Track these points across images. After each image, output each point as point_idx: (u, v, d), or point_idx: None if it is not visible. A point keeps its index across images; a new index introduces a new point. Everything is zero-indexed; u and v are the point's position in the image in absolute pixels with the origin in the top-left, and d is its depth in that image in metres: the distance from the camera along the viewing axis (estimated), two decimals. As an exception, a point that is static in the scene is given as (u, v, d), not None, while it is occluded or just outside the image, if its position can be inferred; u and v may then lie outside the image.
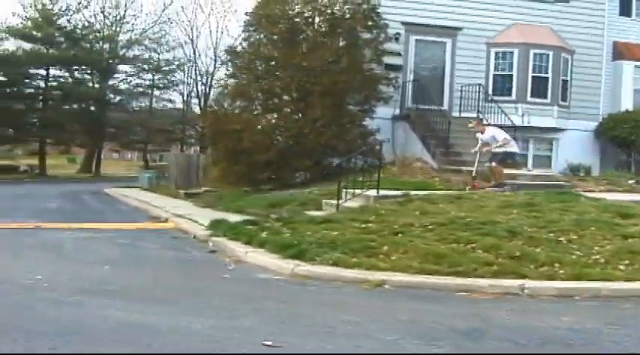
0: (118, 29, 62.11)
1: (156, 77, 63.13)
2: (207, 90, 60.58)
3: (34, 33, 57.40)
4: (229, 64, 23.58)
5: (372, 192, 15.13)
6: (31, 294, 7.31)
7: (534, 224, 11.09)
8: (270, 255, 10.22)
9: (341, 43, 21.57)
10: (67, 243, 12.28)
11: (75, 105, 60.09)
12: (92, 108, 60.00)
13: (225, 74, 22.92)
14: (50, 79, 58.86)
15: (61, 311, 6.58)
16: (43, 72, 58.40)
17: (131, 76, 63.09)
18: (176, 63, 61.96)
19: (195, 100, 63.59)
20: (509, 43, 24.67)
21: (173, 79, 63.04)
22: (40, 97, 59.46)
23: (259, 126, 21.34)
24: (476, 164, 16.74)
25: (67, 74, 60.35)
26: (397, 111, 23.71)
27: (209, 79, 60.73)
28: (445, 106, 23.88)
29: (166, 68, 61.94)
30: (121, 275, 8.90)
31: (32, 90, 59.38)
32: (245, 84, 22.00)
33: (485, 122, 18.92)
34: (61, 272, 8.80)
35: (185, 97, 65.03)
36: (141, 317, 6.51)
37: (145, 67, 62.02)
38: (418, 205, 13.46)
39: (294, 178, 22.20)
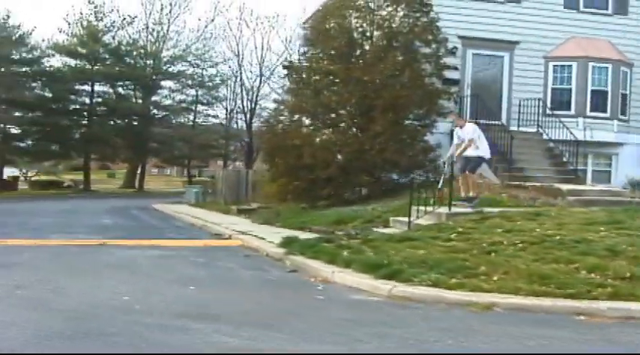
0: (161, 45, 62.32)
1: (199, 92, 63.05)
2: (253, 105, 60.45)
3: (80, 49, 57.75)
4: (287, 78, 23.10)
5: (443, 210, 14.59)
6: (130, 318, 6.96)
7: (631, 242, 10.54)
8: (360, 274, 9.80)
9: (399, 57, 21.06)
10: (142, 261, 12.00)
11: (119, 121, 60.21)
12: (136, 123, 60.17)
13: (282, 89, 22.45)
14: (95, 94, 58.97)
15: (171, 337, 6.21)
16: (87, 88, 58.60)
17: (175, 91, 63.20)
18: (219, 78, 61.81)
19: (239, 115, 63.30)
20: (567, 56, 24.15)
21: (217, 94, 62.90)
22: (85, 113, 59.67)
23: (318, 141, 20.85)
24: (445, 169, 15.40)
25: (111, 90, 60.43)
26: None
27: (254, 94, 60.59)
28: (503, 121, 23.30)
29: (210, 83, 61.83)
30: (212, 297, 8.57)
31: (77, 106, 59.53)
32: (304, 99, 21.61)
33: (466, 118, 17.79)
34: (148, 293, 8.49)
35: (228, 113, 64.90)
36: (254, 343, 6.14)
37: (189, 82, 62.05)
38: (496, 223, 12.97)
39: (353, 194, 21.72)
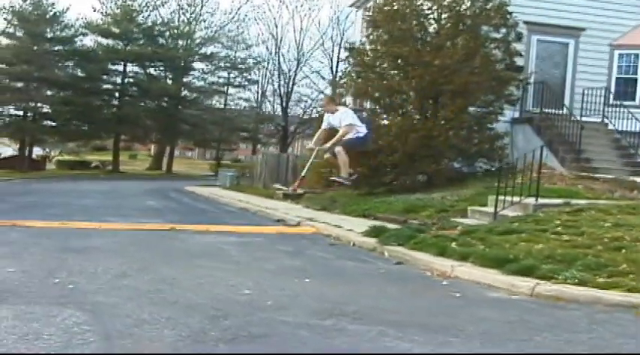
0: (194, 26, 61.51)
1: (231, 75, 62.26)
2: (289, 89, 59.62)
3: (113, 29, 57.15)
4: (347, 62, 22.19)
5: (530, 200, 13.73)
6: (268, 316, 6.18)
7: None
8: (484, 269, 8.96)
9: (469, 42, 20.15)
10: (228, 249, 11.25)
11: (150, 102, 59.53)
12: (167, 105, 59.35)
13: (343, 72, 21.56)
14: (127, 75, 58.35)
15: (333, 340, 5.47)
16: (120, 68, 57.89)
17: (207, 73, 62.41)
18: (252, 61, 61.05)
19: (275, 99, 62.49)
20: (634, 44, 23.06)
21: (249, 77, 62.14)
22: (117, 93, 59.03)
23: (384, 126, 19.99)
24: (311, 160, 14.06)
25: (143, 71, 59.78)
26: (516, 114, 22.28)
27: (291, 78, 59.78)
28: (566, 110, 22.35)
29: (242, 66, 61.06)
30: (335, 292, 7.79)
31: (109, 86, 58.95)
32: (367, 83, 20.73)
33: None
34: (265, 287, 7.74)
35: (260, 96, 64.12)
36: (435, 348, 5.34)
37: (221, 64, 61.26)
38: (595, 216, 12.14)
39: (416, 181, 20.88)
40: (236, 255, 10.53)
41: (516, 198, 13.86)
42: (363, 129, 13.52)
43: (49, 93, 56.44)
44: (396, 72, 21.08)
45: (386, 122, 21.23)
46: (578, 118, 21.49)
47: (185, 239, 12.47)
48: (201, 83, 64.51)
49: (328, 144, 13.44)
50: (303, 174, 13.76)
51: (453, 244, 10.54)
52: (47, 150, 66.95)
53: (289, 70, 61.76)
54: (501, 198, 13.71)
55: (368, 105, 22.07)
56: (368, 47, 21.12)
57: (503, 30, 20.91)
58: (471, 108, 20.84)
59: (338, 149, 13.10)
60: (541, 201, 14.05)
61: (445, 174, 20.43)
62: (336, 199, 21.07)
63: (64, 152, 70.55)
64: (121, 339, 5.18)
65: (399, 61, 20.03)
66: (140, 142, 71.81)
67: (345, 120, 12.99)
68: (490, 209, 14.16)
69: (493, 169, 20.83)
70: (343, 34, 59.22)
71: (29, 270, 8.06)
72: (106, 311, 6.08)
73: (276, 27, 63.55)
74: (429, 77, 19.25)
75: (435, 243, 10.70)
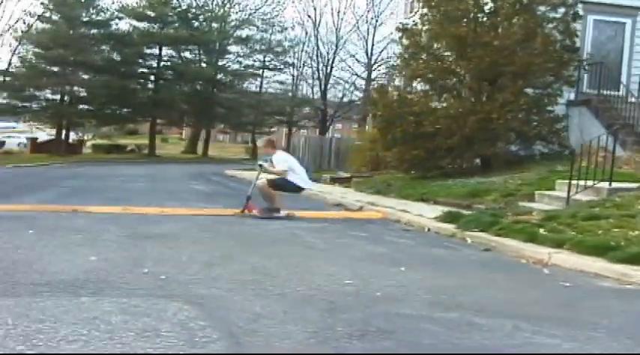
0: (228, 9, 61.04)
1: (267, 58, 61.81)
2: (328, 71, 59.12)
3: (148, 12, 56.76)
4: (399, 43, 21.63)
5: (603, 184, 13.19)
6: (385, 309, 5.80)
7: None
8: (584, 257, 8.48)
9: (527, 22, 19.51)
10: (302, 235, 10.89)
11: (186, 86, 59.25)
12: (203, 88, 59.06)
13: (395, 54, 21.00)
14: (162, 58, 58.12)
15: (473, 336, 5.03)
16: (155, 51, 57.63)
17: (242, 56, 62.00)
18: (288, 44, 60.57)
19: (314, 82, 61.96)
20: (693, 23, 22.29)
21: (285, 60, 61.67)
22: (152, 77, 58.81)
23: (441, 108, 19.48)
24: (255, 181, 13.85)
25: (178, 54, 59.52)
26: (572, 96, 21.61)
27: (330, 60, 59.26)
28: (622, 92, 21.66)
29: (278, 49, 60.57)
30: (437, 281, 7.35)
31: (145, 70, 58.74)
32: (423, 64, 20.19)
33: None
34: (363, 276, 7.30)
35: (296, 79, 63.64)
36: (581, 345, 4.80)
37: (256, 47, 60.80)
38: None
39: (472, 165, 20.36)
40: (314, 241, 10.15)
41: (589, 182, 13.29)
42: (296, 173, 13.69)
43: (85, 77, 56.17)
44: (449, 53, 20.41)
45: (440, 105, 20.57)
46: (634, 100, 20.77)
47: (254, 224, 12.12)
48: (237, 66, 64.09)
49: (267, 165, 13.95)
50: (249, 193, 13.29)
51: (542, 230, 10.06)
52: (79, 134, 66.85)
53: (327, 53, 61.19)
54: (573, 182, 13.12)
55: (419, 87, 21.42)
56: (422, 28, 20.47)
57: (562, 9, 20.16)
58: (528, 90, 20.18)
59: (265, 184, 13.28)
60: (614, 185, 13.44)
61: (502, 157, 19.86)
62: (390, 183, 20.58)
63: (97, 136, 70.46)
64: (247, 336, 4.78)
65: (456, 42, 19.33)
66: (176, 126, 71.58)
67: (281, 165, 13.32)
68: (560, 193, 13.68)
69: (551, 153, 20.26)
70: (379, 17, 58.58)
71: (112, 259, 7.72)
72: (215, 305, 5.67)
73: (314, 9, 62.65)
74: (489, 58, 18.67)
75: (522, 229, 10.23)
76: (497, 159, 19.75)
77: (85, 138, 69.05)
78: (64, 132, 55.62)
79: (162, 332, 4.75)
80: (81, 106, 57.17)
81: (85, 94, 56.49)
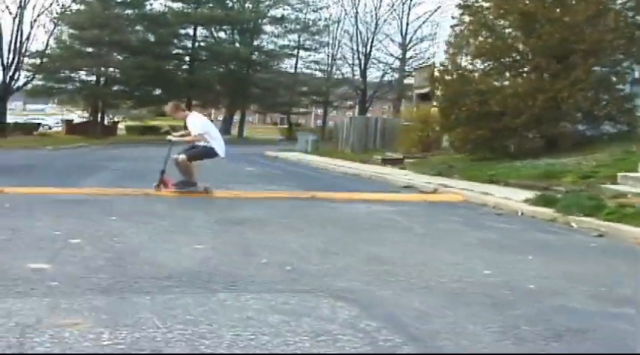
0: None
1: (302, 38, 61.08)
2: (368, 50, 58.34)
3: (182, -8, 56.10)
4: (460, 20, 20.85)
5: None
6: (556, 303, 5.20)
7: None
8: None
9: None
10: (396, 220, 10.30)
11: (221, 66, 58.70)
12: (238, 69, 58.49)
13: (454, 32, 20.22)
14: (197, 39, 57.60)
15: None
16: (190, 32, 57.10)
17: (277, 36, 61.31)
18: (323, 23, 59.80)
19: (354, 61, 61.08)
20: None
21: (320, 39, 60.93)
22: (187, 57, 58.30)
23: (508, 87, 18.74)
24: (167, 155, 12.58)
25: (213, 34, 58.93)
26: (637, 75, 20.76)
27: (369, 39, 58.46)
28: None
29: (313, 28, 59.80)
30: (576, 271, 6.77)
31: (180, 51, 58.25)
32: (485, 41, 19.43)
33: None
34: (497, 266, 6.77)
35: (332, 59, 62.91)
36: None
37: (291, 27, 60.05)
38: None
39: (538, 145, 19.64)
40: (411, 226, 9.59)
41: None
42: (214, 139, 12.64)
43: (119, 58, 55.78)
44: (513, 30, 19.63)
45: (504, 83, 19.83)
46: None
47: (339, 208, 11.55)
48: (272, 46, 63.40)
49: (176, 139, 13.01)
50: (163, 168, 12.35)
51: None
52: (110, 116, 66.59)
53: (367, 31, 60.37)
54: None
55: (480, 65, 20.66)
56: (485, 4, 19.68)
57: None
58: (596, 69, 19.40)
59: (182, 157, 12.31)
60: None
61: (569, 137, 19.10)
62: (450, 164, 19.90)
63: (128, 118, 70.17)
64: (432, 339, 4.24)
65: (524, 19, 18.54)
66: (211, 107, 71.06)
67: (195, 128, 12.29)
68: (646, 175, 12.90)
69: (619, 133, 19.51)
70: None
71: (217, 248, 7.20)
72: (368, 301, 5.11)
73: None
74: (559, 35, 17.87)
75: (636, 213, 9.51)
76: (565, 140, 19.06)
77: (116, 119, 68.76)
78: (98, 114, 55.20)
79: (337, 335, 4.17)
80: (116, 87, 56.69)
81: (120, 75, 56.00)
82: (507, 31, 19.68)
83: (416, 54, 60.29)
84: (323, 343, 4.03)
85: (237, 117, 63.58)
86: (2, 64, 45.45)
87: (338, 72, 64.77)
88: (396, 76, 61.66)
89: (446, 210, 11.82)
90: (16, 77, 47.42)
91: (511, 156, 19.10)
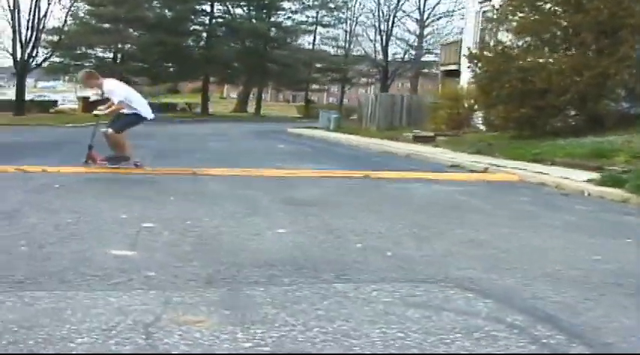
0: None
1: (320, 14, 60.40)
2: (390, 27, 57.64)
3: (200, -33, 55.41)
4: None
5: None
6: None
7: None
8: None
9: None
10: (463, 200, 9.92)
11: (238, 43, 58.08)
12: (255, 45, 57.85)
13: (493, 8, 19.62)
14: (214, 15, 56.95)
15: None
16: (207, 7, 56.47)
17: (295, 12, 60.58)
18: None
19: (373, 37, 60.29)
20: None
21: (339, 16, 60.21)
22: (205, 34, 57.70)
23: (553, 63, 18.16)
24: (94, 130, 12.24)
25: (230, 10, 58.28)
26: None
27: (390, 16, 57.71)
28: None
29: (332, 5, 59.10)
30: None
31: (197, 27, 57.64)
32: (526, 17, 18.83)
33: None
34: (610, 254, 6.24)
35: (350, 35, 62.19)
36: None
37: (309, 3, 59.36)
38: None
39: (581, 124, 19.10)
40: (485, 207, 9.17)
41: None
42: (138, 103, 12.13)
43: (136, 34, 55.19)
44: (556, 6, 19.03)
45: (546, 60, 19.25)
46: None
47: (400, 188, 11.12)
48: (289, 23, 62.67)
49: (103, 112, 12.47)
50: (90, 142, 11.97)
51: None
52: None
53: (389, 8, 59.61)
54: None
55: (520, 42, 20.07)
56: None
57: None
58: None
59: (110, 131, 11.87)
60: None
61: (614, 115, 18.54)
62: (490, 142, 19.37)
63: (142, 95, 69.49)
64: (598, 336, 3.82)
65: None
66: (229, 83, 70.49)
67: (115, 96, 11.78)
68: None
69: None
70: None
71: (303, 232, 6.74)
72: (499, 292, 4.71)
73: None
74: (607, 10, 17.23)
75: None
76: (610, 118, 18.47)
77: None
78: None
79: (491, 331, 3.76)
80: (133, 64, 56.12)
81: (137, 52, 55.43)
82: (549, 6, 18.94)
83: (434, 30, 59.51)
84: (484, 342, 3.58)
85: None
86: (20, 41, 44.88)
87: (356, 48, 63.98)
88: (414, 53, 60.89)
89: (508, 190, 11.42)
90: (34, 54, 46.87)
91: (552, 134, 18.59)
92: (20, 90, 44.44)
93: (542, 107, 17.98)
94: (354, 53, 63.49)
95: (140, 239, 6.11)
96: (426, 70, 62.30)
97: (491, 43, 19.51)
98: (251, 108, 65.34)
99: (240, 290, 4.52)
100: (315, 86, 66.77)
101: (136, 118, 11.95)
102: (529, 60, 18.42)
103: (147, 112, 12.07)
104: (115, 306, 4.04)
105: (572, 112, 18.87)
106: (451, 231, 7.04)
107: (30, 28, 45.15)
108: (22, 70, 44.56)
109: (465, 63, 32.00)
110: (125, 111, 11.76)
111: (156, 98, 64.92)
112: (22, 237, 6.00)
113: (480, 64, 19.45)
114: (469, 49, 20.83)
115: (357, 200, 9.35)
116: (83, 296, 4.23)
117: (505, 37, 19.54)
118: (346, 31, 63.28)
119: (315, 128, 38.38)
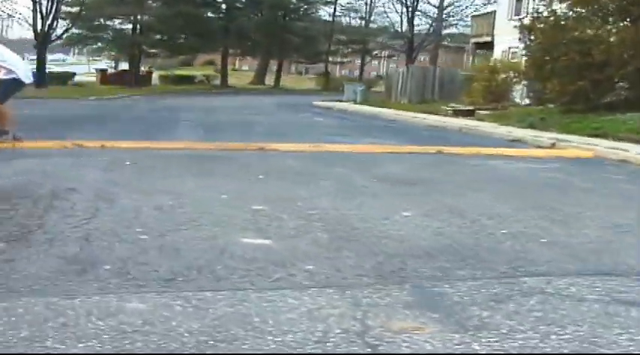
0: None
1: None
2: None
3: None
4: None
5: None
6: None
7: None
8: None
9: None
10: (560, 177, 9.50)
11: (259, 14, 57.25)
12: (275, 16, 57.01)
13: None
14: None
15: None
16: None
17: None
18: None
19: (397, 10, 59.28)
20: None
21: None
22: (224, 5, 56.88)
23: (614, 34, 17.47)
24: None
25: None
26: None
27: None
28: None
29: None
30: None
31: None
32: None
33: None
34: None
35: (370, 6, 61.30)
36: None
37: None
38: None
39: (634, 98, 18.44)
40: (592, 187, 8.68)
41: None
42: (13, 64, 10.62)
43: (155, 5, 54.39)
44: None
45: (603, 32, 18.54)
46: None
47: (483, 165, 10.55)
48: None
49: None
50: None
51: None
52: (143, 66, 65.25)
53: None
54: None
55: (575, 13, 19.33)
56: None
57: None
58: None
59: None
60: None
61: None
62: (542, 117, 18.71)
63: (153, 67, 68.83)
64: None
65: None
66: (249, 55, 69.62)
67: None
68: None
69: None
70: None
71: (430, 214, 6.25)
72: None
73: None
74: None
75: None
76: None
77: (143, 69, 67.47)
78: (121, 64, 53.83)
79: None
80: (152, 36, 55.36)
81: (156, 24, 54.64)
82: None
83: (453, 1, 58.51)
84: None
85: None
86: (40, 12, 44.20)
87: (380, 20, 63.02)
88: (434, 24, 60.04)
89: (594, 167, 10.97)
90: (54, 26, 46.15)
91: (603, 108, 17.93)
92: (41, 62, 43.71)
93: (599, 80, 17.29)
94: (375, 25, 62.46)
95: (263, 224, 5.61)
96: (445, 43, 61.46)
97: (546, 14, 18.67)
98: (267, 80, 64.54)
99: (424, 287, 4.02)
100: (335, 59, 65.71)
101: (15, 85, 10.56)
102: (588, 32, 17.59)
103: (25, 76, 10.63)
104: (302, 310, 3.52)
105: (626, 86, 18.08)
106: (582, 214, 6.50)
107: (50, 0, 44.42)
108: (42, 42, 43.83)
109: (499, 34, 31.39)
110: (2, 77, 10.37)
111: (169, 71, 64.39)
112: (133, 223, 5.49)
113: (532, 36, 18.70)
114: (521, 20, 20.06)
115: (452, 178, 8.88)
116: (257, 298, 3.71)
117: (558, 7, 18.76)
118: (366, 3, 62.28)
119: (340, 101, 37.78)
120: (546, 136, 15.13)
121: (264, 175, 8.39)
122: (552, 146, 13.94)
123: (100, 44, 55.64)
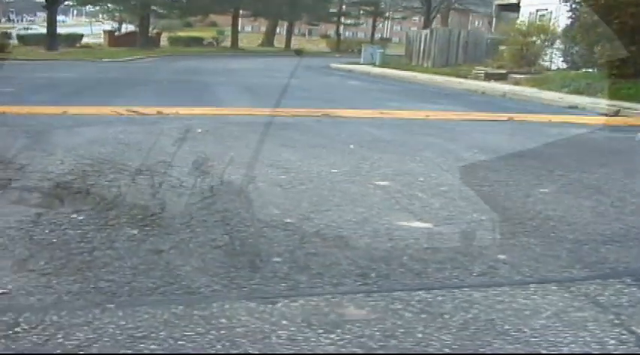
0: None
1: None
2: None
3: None
4: None
5: None
6: None
7: None
8: None
9: None
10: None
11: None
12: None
13: None
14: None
15: None
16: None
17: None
18: None
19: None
20: None
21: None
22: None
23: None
24: None
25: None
26: None
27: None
28: None
29: None
30: None
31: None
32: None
33: None
34: None
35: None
36: None
37: None
38: None
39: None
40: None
41: None
42: None
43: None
44: None
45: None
46: None
47: (565, 133, 10.07)
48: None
49: None
50: None
51: None
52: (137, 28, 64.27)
53: None
54: None
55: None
56: None
57: None
58: None
59: None
60: None
61: None
62: (589, 82, 18.10)
63: (159, 29, 67.82)
64: None
65: None
66: (261, 16, 68.46)
67: None
68: None
69: None
70: None
71: (571, 192, 5.81)
72: None
73: None
74: None
75: None
76: None
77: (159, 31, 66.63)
78: (126, 26, 52.94)
79: None
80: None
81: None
82: None
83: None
84: None
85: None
86: (50, -28, 43.26)
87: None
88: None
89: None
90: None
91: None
92: (51, 24, 42.81)
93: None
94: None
95: (404, 204, 5.10)
96: (457, 5, 60.67)
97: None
98: (277, 42, 63.74)
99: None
100: (346, 20, 64.78)
101: None
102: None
103: None
104: (547, 313, 3.09)
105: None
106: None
107: (60, -42, 43.40)
108: (52, 2, 42.90)
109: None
110: None
111: (172, 31, 63.41)
112: (262, 203, 4.97)
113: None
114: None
115: (553, 150, 8.39)
116: (482, 298, 3.25)
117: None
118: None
119: (358, 64, 37.26)
120: (604, 103, 14.58)
121: (354, 145, 7.85)
122: (616, 113, 13.37)
123: (109, 5, 54.35)
